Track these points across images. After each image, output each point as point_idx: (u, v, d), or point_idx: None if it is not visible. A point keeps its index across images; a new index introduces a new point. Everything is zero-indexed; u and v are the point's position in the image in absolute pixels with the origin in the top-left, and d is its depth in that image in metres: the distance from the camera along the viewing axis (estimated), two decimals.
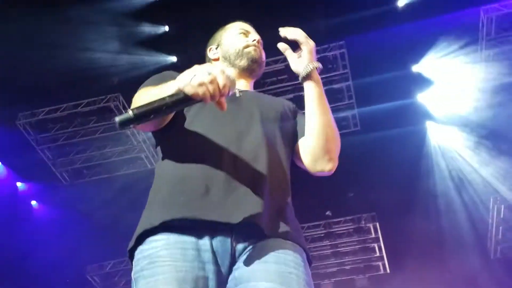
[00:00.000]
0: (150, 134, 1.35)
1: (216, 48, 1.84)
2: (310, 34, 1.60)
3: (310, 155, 1.57)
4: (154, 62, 7.86)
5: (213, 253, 1.32)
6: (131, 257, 1.38)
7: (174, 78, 1.47)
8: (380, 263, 9.46)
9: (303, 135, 1.61)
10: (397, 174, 8.22)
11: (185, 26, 7.43)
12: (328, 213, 9.36)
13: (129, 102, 1.40)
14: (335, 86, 7.87)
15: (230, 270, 1.34)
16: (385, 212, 8.89)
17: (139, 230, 1.37)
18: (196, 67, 1.21)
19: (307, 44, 1.60)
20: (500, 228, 8.62)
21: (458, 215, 8.69)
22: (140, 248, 1.35)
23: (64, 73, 7.33)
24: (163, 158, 1.51)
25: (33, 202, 9.43)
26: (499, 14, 7.18)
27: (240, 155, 1.43)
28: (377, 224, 9.04)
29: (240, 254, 1.35)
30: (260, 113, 1.57)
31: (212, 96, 1.17)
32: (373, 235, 9.16)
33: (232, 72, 1.76)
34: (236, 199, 1.35)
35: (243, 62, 1.76)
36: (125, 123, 1.10)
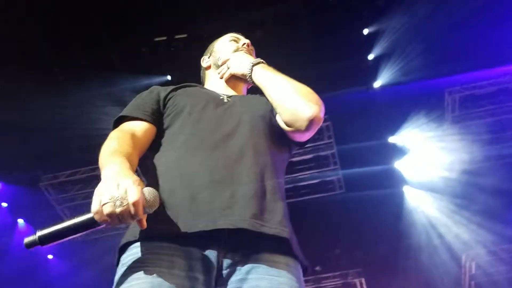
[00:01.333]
0: None
1: (208, 57, 1.66)
2: None
3: (287, 117, 1.30)
4: None
5: (199, 261, 1.11)
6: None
7: (154, 94, 1.42)
8: None
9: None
10: (380, 233, 8.04)
11: None
12: (317, 268, 9.03)
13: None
14: (322, 153, 7.91)
15: (216, 281, 1.12)
16: (369, 267, 8.61)
17: (122, 241, 1.18)
18: (110, 184, 0.98)
19: (236, 55, 1.53)
20: (473, 283, 8.33)
21: (434, 270, 8.43)
22: (122, 257, 1.16)
23: (83, 141, 7.39)
24: (149, 171, 1.28)
25: (50, 256, 9.16)
26: (461, 95, 7.36)
27: (226, 158, 1.23)
28: (363, 280, 8.71)
29: (228, 266, 1.13)
30: (248, 114, 1.36)
31: (123, 222, 0.99)
32: None
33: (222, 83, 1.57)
34: (222, 205, 1.14)
35: None
36: (31, 245, 1.03)
